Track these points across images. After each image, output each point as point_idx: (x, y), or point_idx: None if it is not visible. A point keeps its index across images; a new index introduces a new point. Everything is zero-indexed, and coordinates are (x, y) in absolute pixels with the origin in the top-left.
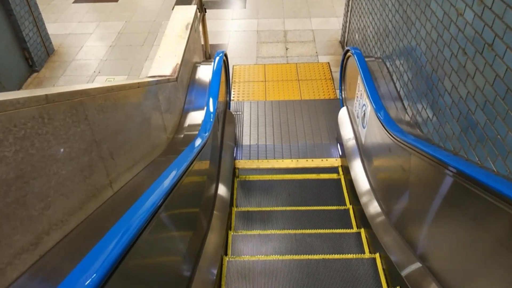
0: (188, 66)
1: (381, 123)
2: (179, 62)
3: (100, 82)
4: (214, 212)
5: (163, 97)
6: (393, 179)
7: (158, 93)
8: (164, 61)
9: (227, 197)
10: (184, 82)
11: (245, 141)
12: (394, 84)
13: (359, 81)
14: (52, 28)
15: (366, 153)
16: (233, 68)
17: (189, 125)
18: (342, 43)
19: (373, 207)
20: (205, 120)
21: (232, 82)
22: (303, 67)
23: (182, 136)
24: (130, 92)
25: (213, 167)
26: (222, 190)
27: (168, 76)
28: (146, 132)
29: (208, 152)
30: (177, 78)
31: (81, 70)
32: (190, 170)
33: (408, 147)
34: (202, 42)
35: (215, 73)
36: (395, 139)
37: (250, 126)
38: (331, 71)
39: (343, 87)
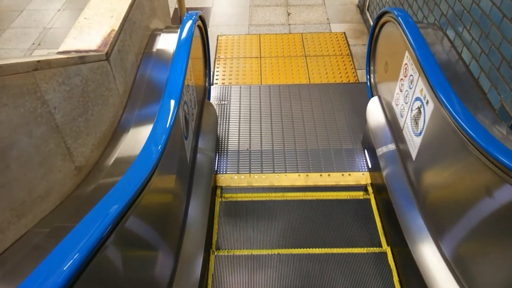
0: (138, 35)
1: (465, 136)
2: (116, 28)
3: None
4: (178, 268)
5: (67, 93)
6: (480, 229)
7: (52, 87)
8: (91, 25)
9: (200, 238)
10: (127, 61)
11: (232, 145)
12: (467, 65)
13: (408, 60)
14: None
15: (420, 174)
16: (217, 40)
17: (133, 135)
18: (361, 7)
19: (431, 256)
20: (158, 125)
21: (215, 58)
22: (311, 38)
23: (114, 158)
24: None
25: (177, 197)
26: (192, 228)
27: (93, 50)
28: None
29: (167, 175)
30: (108, 54)
31: (16, 42)
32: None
33: None
34: (175, 5)
35: (182, 46)
36: (501, 169)
37: (239, 122)
38: (348, 44)
39: (372, 68)
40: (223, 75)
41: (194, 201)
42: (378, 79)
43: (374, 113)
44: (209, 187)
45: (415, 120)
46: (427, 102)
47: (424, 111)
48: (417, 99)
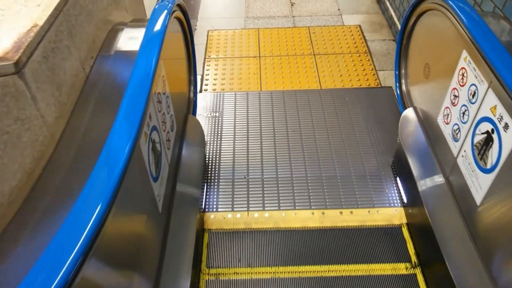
0: (86, 32)
1: None
2: (41, 23)
3: None
4: None
5: None
6: None
7: None
8: (4, 18)
9: None
10: (64, 71)
11: (225, 172)
12: None
13: (467, 63)
14: None
15: (488, 227)
16: (208, 36)
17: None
18: None
19: None
20: (106, 158)
21: (205, 59)
22: (320, 33)
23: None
24: None
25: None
26: None
27: None
28: None
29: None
30: (20, 64)
31: None
32: None
33: None
34: None
35: (148, 45)
36: None
37: (233, 141)
38: (365, 40)
39: (403, 71)
40: (215, 79)
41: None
42: (414, 85)
43: (410, 130)
44: (193, 241)
45: (482, 149)
46: (506, 127)
47: (499, 138)
48: (486, 119)
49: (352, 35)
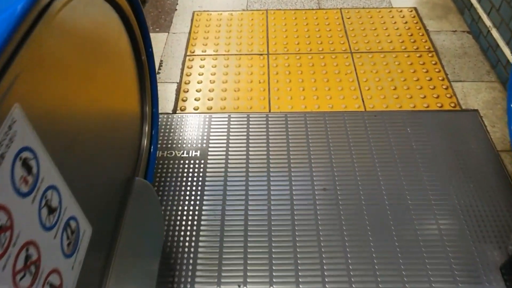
0: None
1: None
2: None
3: None
4: None
5: None
6: None
7: None
8: None
9: None
10: None
11: (206, 273)
12: None
13: None
14: None
15: None
16: (192, 20)
17: None
18: None
19: None
20: None
21: (186, 56)
22: (358, 19)
23: None
24: None
25: None
26: None
27: None
28: None
29: None
30: None
31: None
32: None
33: None
34: None
35: None
36: None
37: (223, 205)
38: (426, 32)
39: None
40: (198, 90)
41: None
42: None
43: None
44: None
45: None
46: None
47: None
48: None
49: (405, 22)
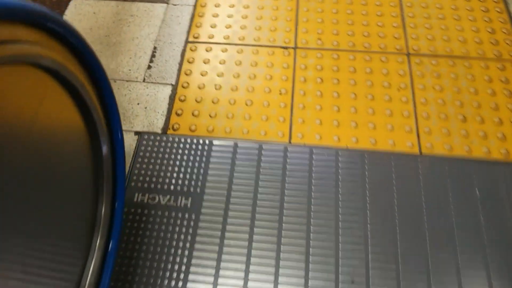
0: None
1: None
2: None
3: None
4: None
5: None
6: None
7: None
8: None
9: None
10: None
11: None
12: None
13: None
14: None
15: None
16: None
17: None
18: None
19: None
20: None
21: (186, 44)
22: (421, 6)
23: None
24: None
25: None
26: None
27: None
28: None
29: None
30: None
31: None
32: None
33: None
34: None
35: None
36: None
37: (215, 276)
38: None
39: None
40: (199, 99)
41: None
42: None
43: None
44: None
45: None
46: None
47: None
48: None
49: (486, 11)
